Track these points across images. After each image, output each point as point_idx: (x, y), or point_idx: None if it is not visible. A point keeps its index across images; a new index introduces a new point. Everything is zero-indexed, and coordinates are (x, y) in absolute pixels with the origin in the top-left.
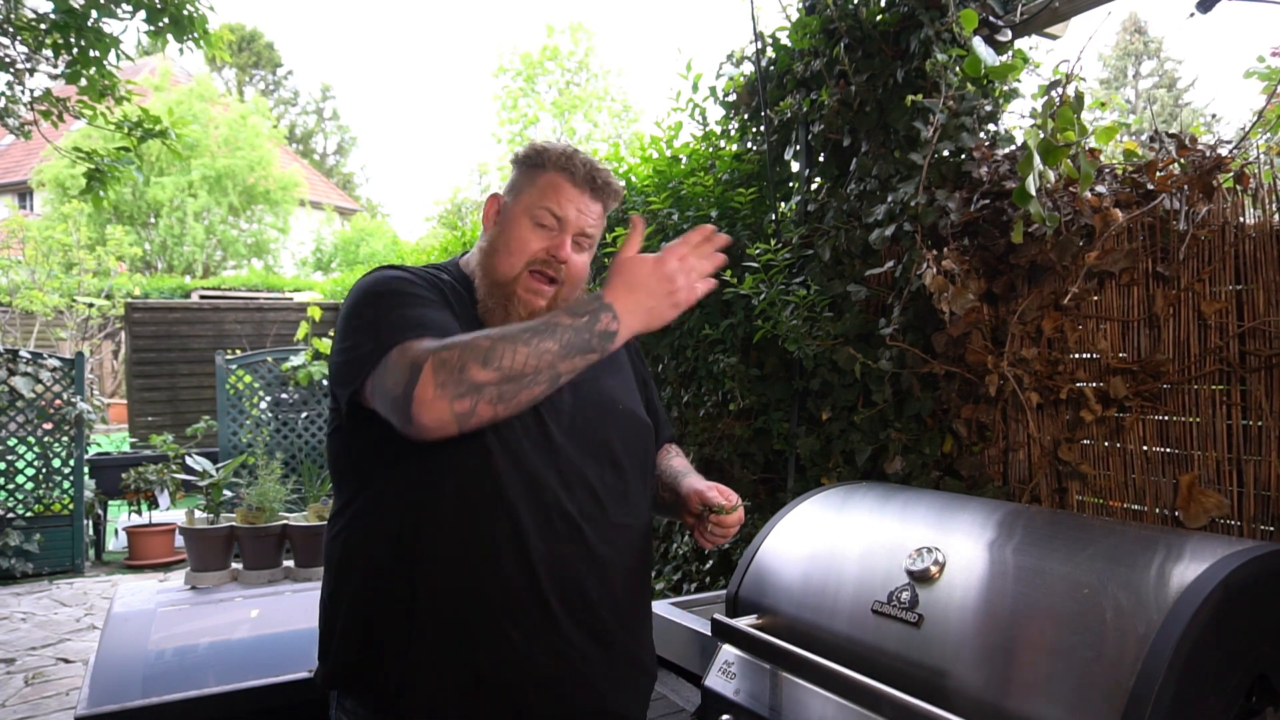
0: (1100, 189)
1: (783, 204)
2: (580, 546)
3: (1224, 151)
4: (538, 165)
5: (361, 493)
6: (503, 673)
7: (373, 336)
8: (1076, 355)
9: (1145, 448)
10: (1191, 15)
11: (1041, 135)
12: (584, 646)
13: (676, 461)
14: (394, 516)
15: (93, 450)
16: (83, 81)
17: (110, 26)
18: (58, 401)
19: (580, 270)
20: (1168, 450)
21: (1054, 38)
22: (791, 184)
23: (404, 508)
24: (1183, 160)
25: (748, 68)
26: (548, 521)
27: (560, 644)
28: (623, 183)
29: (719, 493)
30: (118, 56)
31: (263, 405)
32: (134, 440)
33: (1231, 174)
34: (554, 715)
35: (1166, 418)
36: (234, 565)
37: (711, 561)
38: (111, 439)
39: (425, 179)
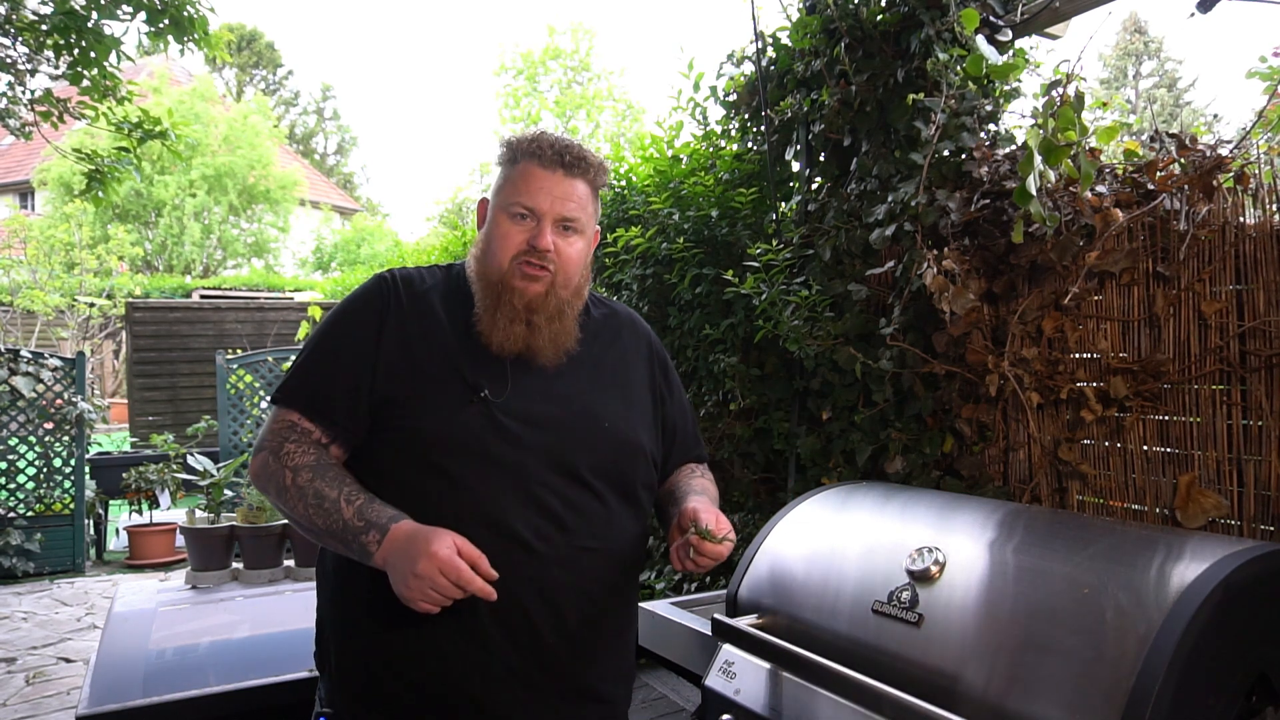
0: (1101, 189)
1: (783, 204)
2: (528, 569)
3: (1224, 151)
4: (510, 159)
5: None
6: (432, 687)
7: (289, 374)
8: (1077, 355)
9: (1145, 448)
10: (1191, 15)
11: (1042, 135)
12: (525, 671)
13: (696, 481)
14: None
15: (93, 450)
16: (84, 82)
17: (111, 28)
18: (59, 401)
19: (572, 255)
20: (1168, 450)
21: (1054, 38)
22: (792, 184)
23: None
24: (1183, 160)
25: (748, 67)
26: (493, 540)
27: (495, 666)
28: (602, 157)
29: (715, 519)
30: (118, 58)
31: (263, 405)
32: (134, 440)
33: (1232, 174)
34: None
35: (1167, 418)
36: (234, 565)
37: None
38: (112, 439)
39: (425, 179)
